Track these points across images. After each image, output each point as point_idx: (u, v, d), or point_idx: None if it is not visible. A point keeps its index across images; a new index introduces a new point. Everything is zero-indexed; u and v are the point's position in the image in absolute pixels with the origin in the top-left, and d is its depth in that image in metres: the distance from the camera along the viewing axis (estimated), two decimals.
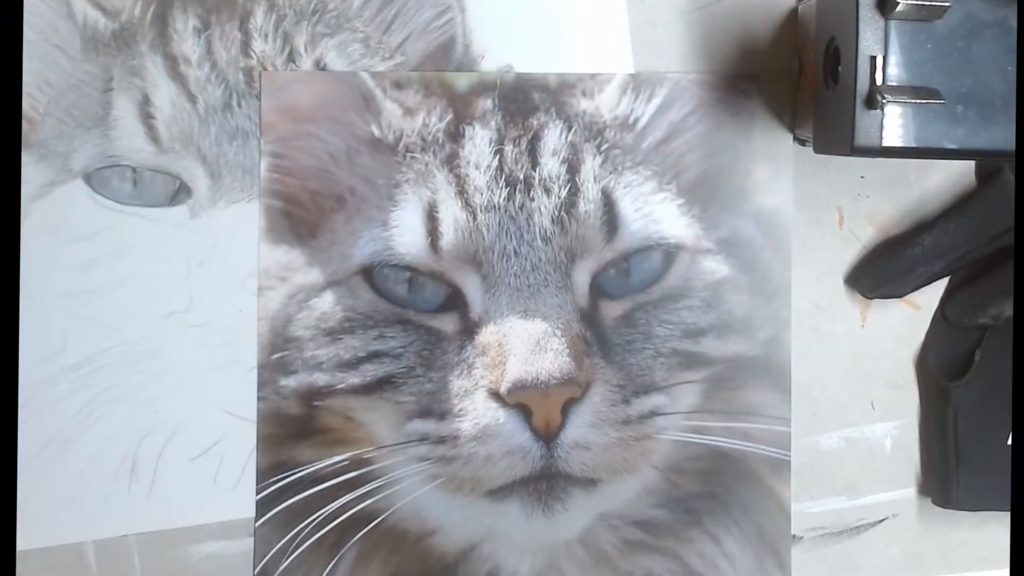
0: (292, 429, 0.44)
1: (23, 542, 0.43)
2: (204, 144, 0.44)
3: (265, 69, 0.44)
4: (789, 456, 0.45)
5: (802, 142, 0.45)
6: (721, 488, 0.45)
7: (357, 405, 0.44)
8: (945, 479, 0.46)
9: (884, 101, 0.36)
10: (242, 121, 0.44)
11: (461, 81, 0.44)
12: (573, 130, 0.44)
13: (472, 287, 0.44)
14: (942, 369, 0.46)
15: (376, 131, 0.44)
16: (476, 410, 0.44)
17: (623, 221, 0.44)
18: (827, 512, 0.46)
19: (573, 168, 0.44)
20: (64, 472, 0.44)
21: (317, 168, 0.44)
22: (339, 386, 0.44)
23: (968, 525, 0.47)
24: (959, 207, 0.45)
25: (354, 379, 0.44)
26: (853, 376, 0.46)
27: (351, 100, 0.44)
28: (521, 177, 0.44)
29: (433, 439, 0.44)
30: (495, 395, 0.43)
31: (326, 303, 0.44)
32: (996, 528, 0.47)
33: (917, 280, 0.45)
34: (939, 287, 0.47)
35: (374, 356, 0.44)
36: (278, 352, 0.44)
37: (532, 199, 0.44)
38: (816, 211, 0.46)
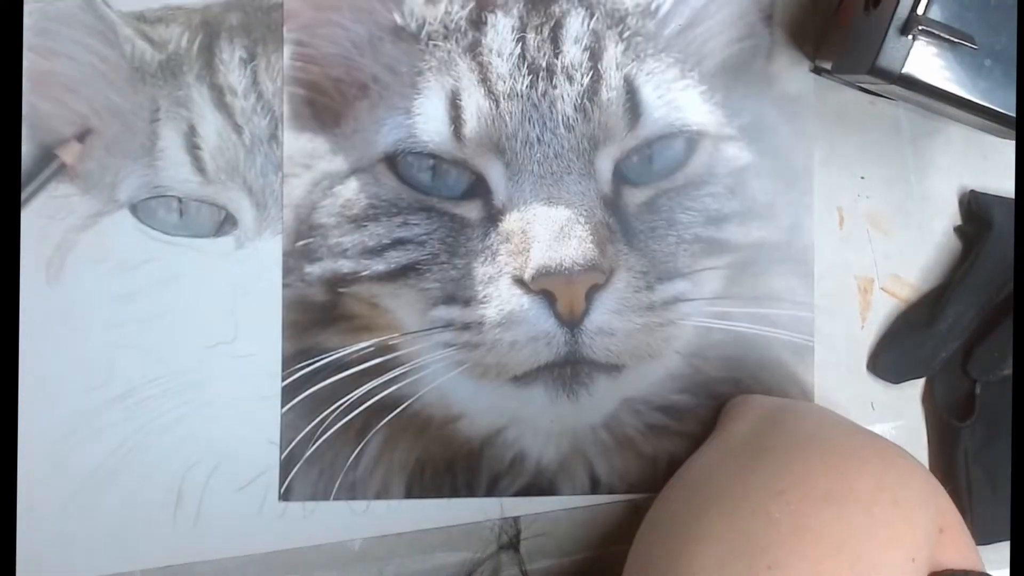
0: (317, 316, 0.47)
1: (71, 573, 0.46)
2: (250, 175, 0.47)
3: None
4: (812, 341, 0.48)
5: (819, 71, 0.47)
6: (744, 373, 0.48)
7: (382, 292, 0.47)
8: None
9: (918, 30, 0.39)
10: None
11: None
12: (595, 17, 0.47)
13: (495, 174, 0.46)
14: (951, 409, 0.49)
15: (398, 19, 0.46)
16: (500, 296, 0.46)
17: (645, 108, 0.47)
18: None
19: (595, 55, 0.47)
20: (110, 502, 0.46)
21: (340, 56, 0.47)
22: (364, 273, 0.47)
23: None
24: (963, 282, 0.48)
25: (378, 266, 0.47)
26: (853, 376, 0.49)
27: None
28: (543, 65, 0.47)
29: (458, 325, 0.47)
30: (519, 281, 0.46)
31: (350, 190, 0.46)
32: (996, 527, 0.49)
33: (942, 360, 0.48)
34: None
35: (398, 243, 0.46)
36: (303, 239, 0.47)
37: (555, 87, 0.47)
38: (816, 211, 0.49)
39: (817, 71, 0.48)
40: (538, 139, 0.47)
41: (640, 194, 0.47)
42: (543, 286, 0.47)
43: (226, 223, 0.47)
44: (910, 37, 0.40)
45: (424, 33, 0.47)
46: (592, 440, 0.48)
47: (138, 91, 0.46)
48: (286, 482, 0.47)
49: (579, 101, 0.47)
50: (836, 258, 0.49)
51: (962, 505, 0.48)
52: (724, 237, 0.48)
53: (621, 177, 0.47)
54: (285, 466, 0.47)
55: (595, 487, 0.48)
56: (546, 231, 0.47)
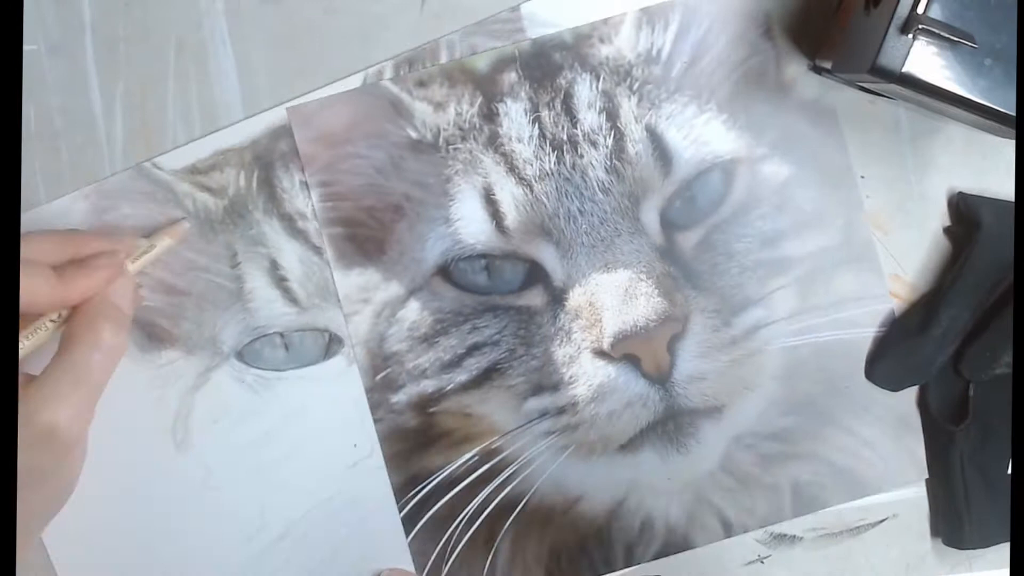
0: (415, 441, 0.48)
1: None
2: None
3: None
4: None
5: (819, 71, 0.48)
6: (842, 379, 0.49)
7: (471, 400, 0.47)
8: (957, 522, 0.49)
9: (918, 29, 0.39)
10: None
11: (480, 62, 0.47)
12: (602, 78, 0.48)
13: (548, 257, 0.47)
14: (944, 414, 0.49)
15: (413, 133, 0.47)
16: (586, 372, 0.47)
17: (674, 152, 0.47)
18: (827, 512, 0.50)
19: (612, 115, 0.47)
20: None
21: (367, 185, 0.47)
22: (448, 387, 0.47)
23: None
24: (955, 286, 0.48)
25: (461, 376, 0.47)
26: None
27: (380, 110, 0.47)
28: (565, 137, 0.47)
29: (553, 412, 0.47)
30: (600, 353, 0.47)
31: (413, 312, 0.47)
32: (996, 527, 0.49)
33: (940, 365, 0.48)
34: None
35: (473, 349, 0.47)
36: (380, 372, 0.47)
37: (581, 156, 0.47)
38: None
39: (817, 71, 0.49)
40: (580, 211, 0.48)
41: (692, 236, 0.48)
42: (624, 351, 0.47)
43: (332, 343, 0.48)
44: (910, 36, 0.40)
45: (442, 140, 0.48)
46: (713, 486, 0.49)
47: (211, 241, 0.47)
48: None
49: (609, 163, 0.48)
50: None
51: (959, 509, 0.49)
52: (784, 254, 0.48)
53: (670, 224, 0.48)
54: None
55: (728, 530, 0.49)
56: (612, 297, 0.47)
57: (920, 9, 0.40)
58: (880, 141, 0.49)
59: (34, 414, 0.38)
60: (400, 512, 0.48)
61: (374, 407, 0.48)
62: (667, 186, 0.48)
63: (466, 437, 0.48)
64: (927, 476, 0.49)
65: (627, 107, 0.48)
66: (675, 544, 0.49)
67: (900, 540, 0.50)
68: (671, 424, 0.48)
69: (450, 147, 0.48)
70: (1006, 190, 0.50)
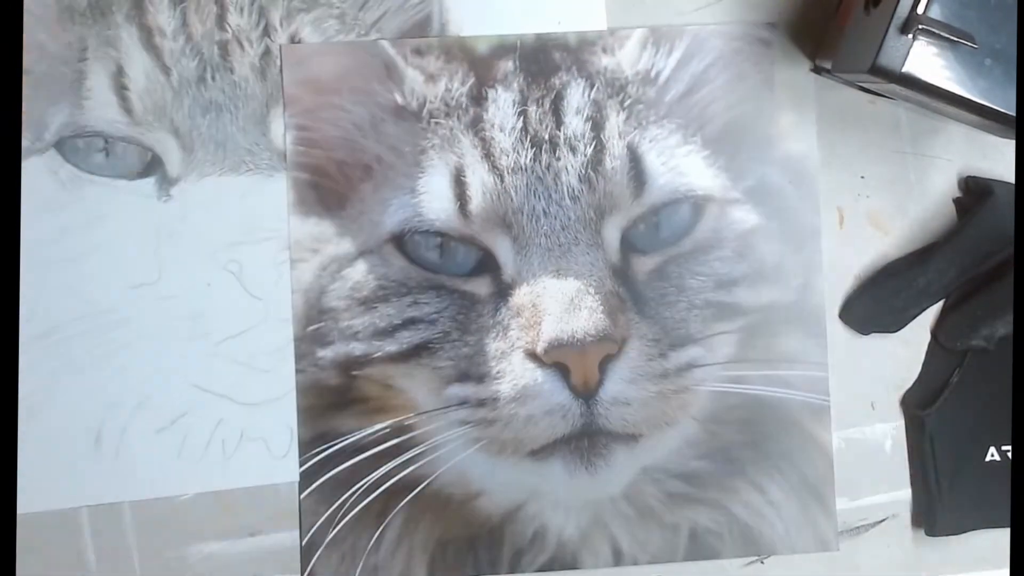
0: (332, 400, 0.49)
1: None
2: (177, 117, 0.49)
3: (240, 43, 0.48)
4: (828, 401, 0.49)
5: (819, 71, 0.50)
6: (762, 436, 0.50)
7: (395, 372, 0.49)
8: (929, 507, 0.51)
9: (918, 29, 0.41)
10: (216, 94, 0.49)
11: (481, 44, 0.49)
12: (596, 87, 0.49)
13: (503, 249, 0.48)
14: (914, 398, 0.51)
15: (399, 98, 0.48)
16: (514, 371, 0.48)
17: (650, 176, 0.49)
18: None
19: (597, 125, 0.49)
20: (29, 441, 0.48)
21: (343, 138, 0.48)
22: (376, 355, 0.48)
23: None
24: (951, 241, 0.50)
25: (391, 347, 0.48)
26: (853, 376, 0.51)
27: (373, 69, 0.48)
28: (546, 137, 0.48)
29: (473, 402, 0.48)
30: (532, 355, 0.48)
31: (359, 272, 0.48)
32: (996, 528, 0.51)
33: (912, 317, 0.50)
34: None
35: (409, 323, 0.48)
36: (313, 324, 0.48)
37: (558, 158, 0.48)
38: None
39: (817, 71, 0.50)
40: (544, 212, 0.49)
41: (649, 262, 0.49)
42: (556, 359, 0.48)
43: (153, 164, 0.48)
44: (910, 36, 0.42)
45: (425, 111, 0.49)
46: (613, 512, 0.50)
47: (67, 30, 0.48)
48: (308, 567, 0.49)
49: (583, 172, 0.49)
50: (835, 258, 0.51)
51: (931, 496, 0.50)
52: (735, 301, 0.50)
53: (629, 245, 0.49)
54: (307, 552, 0.49)
55: (618, 559, 0.50)
56: (556, 303, 0.48)
57: (920, 9, 0.41)
58: (880, 141, 0.51)
59: None
60: (300, 467, 0.49)
61: (299, 357, 0.49)
62: (635, 207, 0.49)
63: (382, 408, 0.49)
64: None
65: (614, 121, 0.49)
66: (562, 561, 0.50)
67: (900, 540, 0.51)
68: (586, 441, 0.49)
69: (432, 120, 0.49)
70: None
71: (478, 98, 0.49)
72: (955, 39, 0.41)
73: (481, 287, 0.49)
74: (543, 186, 0.49)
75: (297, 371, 0.49)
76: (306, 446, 0.49)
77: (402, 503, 0.49)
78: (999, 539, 0.51)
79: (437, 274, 0.49)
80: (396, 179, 0.49)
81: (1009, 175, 0.51)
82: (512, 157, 0.49)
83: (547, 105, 0.49)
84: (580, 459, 0.49)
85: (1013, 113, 0.42)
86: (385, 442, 0.49)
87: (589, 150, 0.49)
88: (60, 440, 0.48)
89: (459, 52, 0.49)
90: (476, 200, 0.49)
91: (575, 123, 0.49)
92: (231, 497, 0.49)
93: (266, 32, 0.49)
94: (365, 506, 0.49)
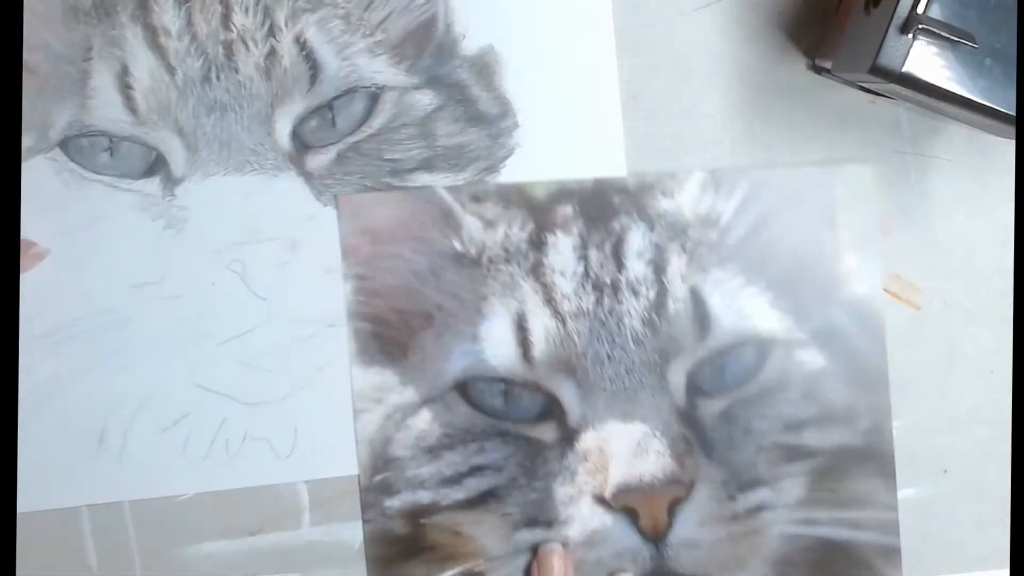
0: (401, 548, 0.49)
1: None
2: (182, 116, 0.49)
3: (245, 43, 0.48)
4: (898, 542, 0.49)
5: (819, 71, 0.50)
6: None
7: (464, 520, 0.49)
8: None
9: (918, 28, 0.41)
10: (220, 94, 0.49)
11: (539, 190, 0.49)
12: (656, 230, 0.49)
13: (568, 394, 0.48)
14: None
15: (458, 246, 0.48)
16: (583, 516, 0.48)
17: (714, 318, 0.49)
18: None
19: (659, 268, 0.48)
20: (31, 440, 0.48)
21: (403, 287, 0.49)
22: (444, 502, 0.49)
23: (968, 525, 0.51)
24: None
25: (458, 494, 0.49)
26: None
27: (430, 217, 0.49)
28: (608, 281, 0.48)
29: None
30: (600, 500, 0.49)
31: (423, 421, 0.48)
32: (996, 528, 0.51)
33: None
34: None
35: (476, 470, 0.49)
36: (380, 473, 0.49)
37: (620, 302, 0.48)
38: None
39: (817, 71, 0.50)
40: (608, 356, 0.49)
41: (715, 404, 0.49)
42: (625, 503, 0.49)
43: (157, 163, 0.49)
44: (910, 36, 0.42)
45: (485, 258, 0.49)
46: None
47: (71, 29, 0.48)
48: None
49: (646, 315, 0.49)
50: None
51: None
52: (803, 443, 0.49)
53: (695, 389, 0.49)
54: None
55: None
56: (624, 447, 0.49)
57: (920, 9, 0.41)
58: (880, 141, 0.51)
59: None
60: None
61: (365, 507, 0.49)
62: (700, 350, 0.49)
63: (451, 555, 0.49)
64: None
65: (676, 264, 0.49)
66: None
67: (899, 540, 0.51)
68: None
69: (492, 266, 0.49)
70: (1006, 189, 0.51)
71: (538, 243, 0.49)
72: (955, 39, 0.41)
73: (547, 433, 0.49)
74: (606, 330, 0.49)
75: (364, 521, 0.50)
76: None
77: None
78: (999, 539, 0.51)
79: (502, 420, 0.49)
80: (457, 326, 0.49)
81: (1008, 175, 0.51)
82: (574, 302, 0.49)
83: (608, 249, 0.49)
84: None
85: (1013, 113, 0.42)
86: None
87: (651, 293, 0.49)
88: (63, 440, 0.49)
89: (517, 198, 0.49)
90: (539, 346, 0.49)
91: (637, 266, 0.49)
92: (230, 497, 0.49)
93: (271, 32, 0.49)
94: None
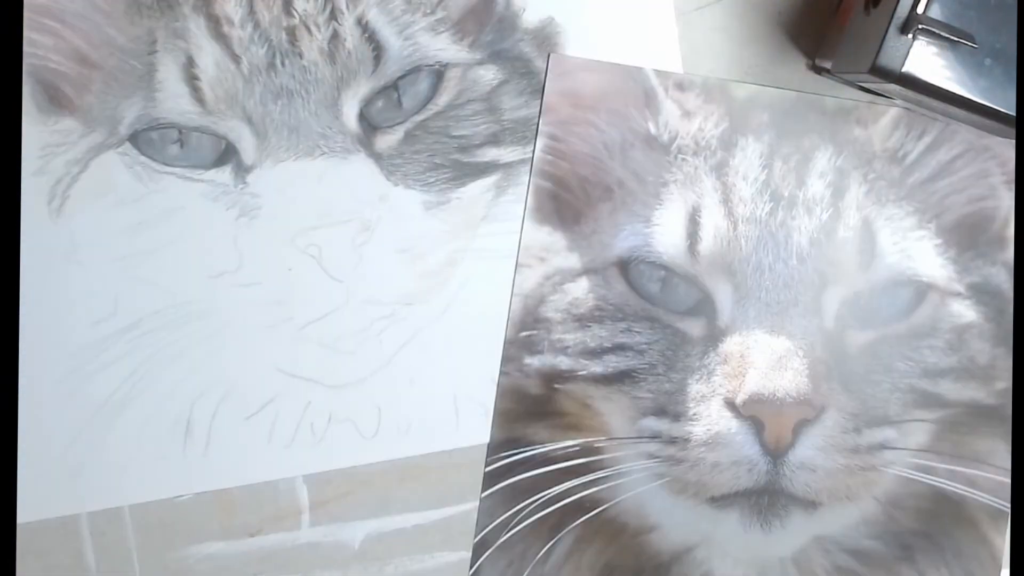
0: (530, 407, 0.50)
1: (79, 506, 0.49)
2: (249, 104, 0.49)
3: (307, 28, 0.49)
4: (1008, 508, 0.50)
5: (819, 71, 0.51)
6: (937, 529, 0.50)
7: (596, 394, 0.50)
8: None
9: (918, 29, 0.42)
10: (286, 80, 0.49)
11: (741, 91, 0.50)
12: (843, 156, 0.50)
13: (723, 296, 0.49)
14: None
15: (652, 128, 0.49)
16: (710, 416, 0.49)
17: (879, 252, 0.50)
18: None
19: (838, 193, 0.50)
20: (119, 434, 0.49)
21: (590, 156, 0.50)
22: (581, 372, 0.49)
23: None
24: None
25: (596, 368, 0.49)
26: None
27: (633, 94, 0.50)
28: (786, 194, 0.50)
29: (665, 438, 0.49)
30: (731, 405, 0.49)
31: (580, 289, 0.49)
32: None
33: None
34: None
35: (619, 348, 0.49)
36: (527, 330, 0.49)
37: (794, 218, 0.50)
38: None
39: (817, 71, 0.51)
40: (770, 267, 0.50)
41: (862, 337, 0.50)
42: (753, 412, 0.49)
43: (227, 152, 0.49)
44: (910, 36, 0.42)
45: (675, 146, 0.50)
46: (779, 573, 0.51)
47: (135, 24, 0.49)
48: (475, 566, 0.49)
49: (815, 235, 0.50)
50: None
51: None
52: (938, 392, 0.51)
53: (845, 317, 0.50)
54: (477, 550, 0.50)
55: None
56: (764, 359, 0.50)
57: (920, 9, 0.42)
58: None
59: None
60: (486, 467, 0.50)
61: (506, 360, 0.50)
62: (859, 281, 0.50)
63: (576, 425, 0.50)
64: None
65: (854, 192, 0.50)
66: None
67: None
68: (766, 499, 0.50)
69: (680, 156, 0.50)
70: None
71: (728, 143, 0.50)
72: (955, 39, 0.42)
73: (695, 328, 0.50)
74: (774, 242, 0.50)
75: (501, 373, 0.50)
76: (495, 447, 0.50)
77: (577, 522, 0.50)
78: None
79: (655, 306, 0.50)
80: (634, 206, 0.50)
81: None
82: (749, 207, 0.50)
83: (793, 163, 0.51)
84: (757, 515, 0.50)
85: (1013, 113, 0.43)
86: (573, 459, 0.50)
87: (825, 215, 0.50)
88: (150, 433, 0.49)
89: (719, 94, 0.50)
90: (707, 242, 0.50)
91: (817, 186, 0.50)
92: (230, 498, 0.50)
93: (332, 16, 0.49)
94: (541, 517, 0.50)
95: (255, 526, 0.50)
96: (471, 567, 0.50)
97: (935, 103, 0.44)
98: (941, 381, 0.51)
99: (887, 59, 0.42)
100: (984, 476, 0.51)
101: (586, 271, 0.50)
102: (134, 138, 0.49)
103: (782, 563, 0.51)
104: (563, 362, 0.50)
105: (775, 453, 0.50)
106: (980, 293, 0.51)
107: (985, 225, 0.51)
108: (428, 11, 0.50)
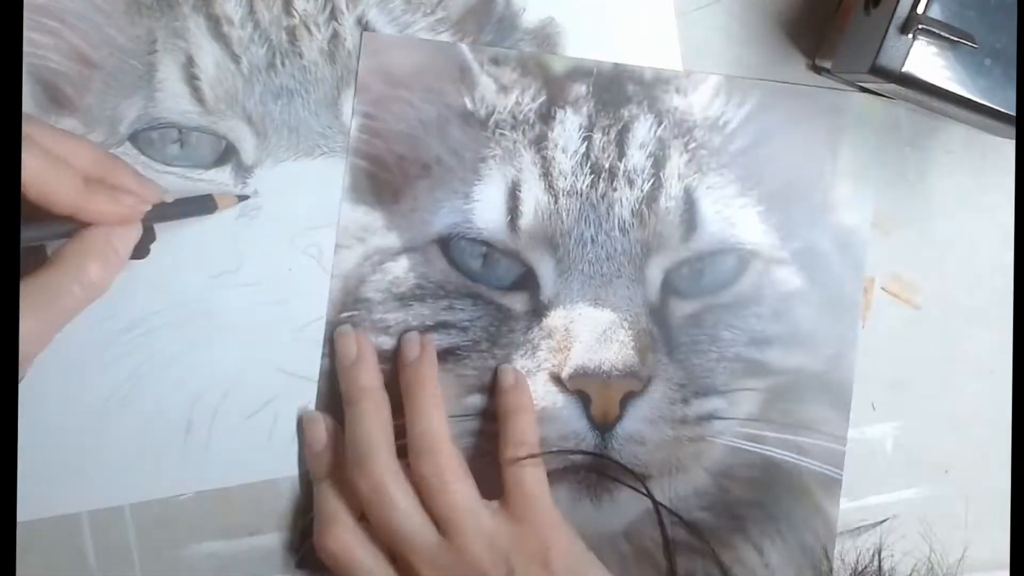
0: None
1: (80, 504, 0.50)
2: (249, 104, 0.50)
3: (307, 28, 0.50)
4: (840, 475, 0.51)
5: (819, 70, 0.51)
6: (770, 499, 0.51)
7: None
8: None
9: (918, 29, 0.42)
10: (286, 80, 0.50)
11: (558, 64, 0.50)
12: (663, 125, 0.50)
13: (546, 269, 0.49)
14: None
15: (469, 104, 0.50)
16: (536, 392, 0.50)
17: (702, 221, 0.50)
18: None
19: (659, 163, 0.50)
20: (120, 433, 0.50)
21: (407, 134, 0.50)
22: None
23: (968, 525, 0.53)
24: None
25: None
26: (853, 377, 0.53)
27: (448, 70, 0.50)
28: (606, 166, 0.50)
29: (489, 415, 0.49)
30: (556, 379, 0.50)
31: (400, 268, 0.49)
32: (996, 528, 0.52)
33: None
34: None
35: (441, 326, 0.50)
36: (348, 311, 0.50)
37: (615, 189, 0.50)
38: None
39: (817, 71, 0.52)
40: (592, 239, 0.50)
41: (687, 306, 0.51)
42: (579, 386, 0.50)
43: (227, 152, 0.50)
44: (910, 36, 0.43)
45: (492, 121, 0.50)
46: (611, 548, 0.51)
47: (135, 23, 0.49)
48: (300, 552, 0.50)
49: (637, 206, 0.50)
50: None
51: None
52: (765, 359, 0.51)
53: (670, 287, 0.50)
54: (292, 533, 0.50)
55: None
56: (589, 332, 0.50)
57: (920, 9, 0.43)
58: (880, 141, 0.52)
59: None
60: None
61: (328, 341, 0.50)
62: (682, 250, 0.50)
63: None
64: None
65: (675, 162, 0.51)
66: None
67: (900, 540, 0.52)
68: (595, 473, 0.50)
69: (497, 131, 0.50)
70: (1006, 190, 0.53)
71: (546, 117, 0.51)
72: (955, 39, 0.42)
73: (517, 303, 0.50)
74: (595, 214, 0.50)
75: (323, 355, 0.50)
76: None
77: None
78: (999, 539, 0.52)
79: (476, 283, 0.50)
80: (452, 182, 0.50)
81: (1008, 175, 0.53)
82: (570, 180, 0.50)
83: (612, 135, 0.51)
84: (586, 490, 0.50)
85: (1013, 113, 0.43)
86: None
87: (646, 186, 0.51)
88: (150, 433, 0.50)
89: (535, 68, 0.51)
90: (527, 216, 0.50)
91: (637, 157, 0.51)
92: (230, 497, 0.50)
93: (333, 16, 0.50)
94: None
95: (255, 526, 0.50)
96: (297, 551, 0.50)
97: (935, 103, 0.44)
98: (767, 349, 0.51)
99: (887, 59, 0.43)
100: (815, 443, 0.51)
101: (406, 249, 0.50)
102: (134, 137, 0.49)
103: (612, 538, 0.51)
104: (385, 342, 0.50)
105: (603, 427, 0.50)
106: (804, 259, 0.51)
107: (807, 191, 0.52)
108: (428, 11, 0.50)
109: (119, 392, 0.49)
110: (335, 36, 0.50)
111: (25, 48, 0.48)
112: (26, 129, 0.41)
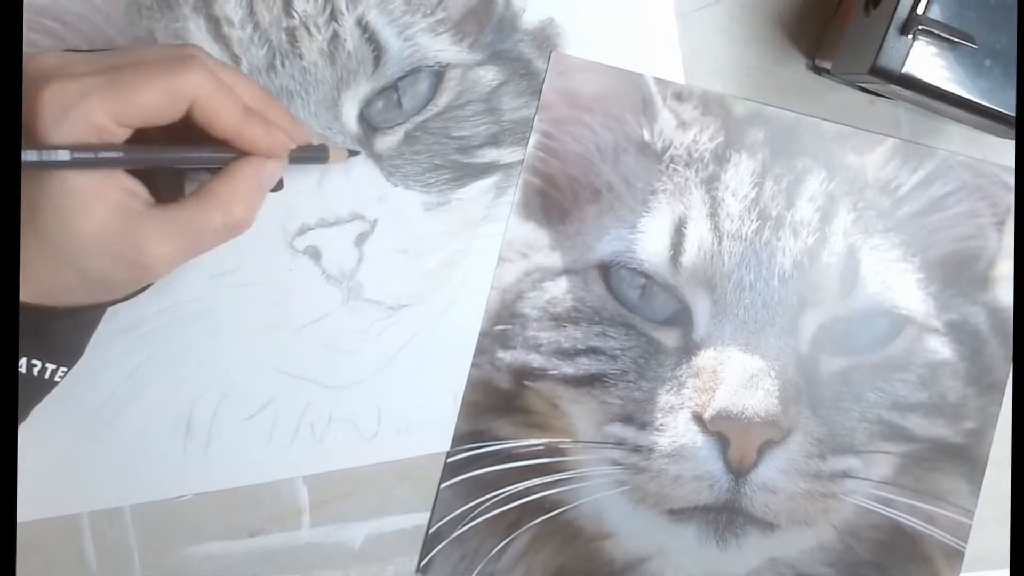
0: (498, 402, 0.51)
1: (80, 505, 0.50)
2: None
3: (307, 29, 0.50)
4: (964, 548, 0.52)
5: (819, 71, 0.52)
6: (892, 563, 0.52)
7: (564, 395, 0.51)
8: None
9: (918, 29, 0.43)
10: (286, 81, 0.51)
11: (739, 107, 0.51)
12: (835, 181, 0.51)
13: (702, 309, 0.50)
14: None
15: (647, 135, 0.51)
16: (677, 428, 0.50)
17: (861, 281, 0.51)
18: None
19: (826, 218, 0.51)
20: (120, 433, 0.50)
21: (582, 157, 0.51)
22: (552, 371, 0.51)
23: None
24: None
25: (568, 368, 0.51)
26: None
27: (631, 100, 0.51)
28: (773, 214, 0.51)
29: (629, 446, 0.51)
30: (698, 418, 0.51)
31: (559, 288, 0.50)
32: (996, 528, 0.53)
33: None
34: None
35: (592, 351, 0.50)
36: (502, 324, 0.50)
37: (779, 238, 0.51)
38: None
39: (817, 71, 0.53)
40: (751, 285, 0.51)
41: (835, 363, 0.52)
42: (720, 429, 0.51)
43: None
44: (910, 37, 0.44)
45: (668, 155, 0.51)
46: None
47: (135, 24, 0.50)
48: (428, 557, 0.51)
49: (799, 258, 0.51)
50: None
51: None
52: (906, 425, 0.52)
53: (821, 342, 0.52)
54: (431, 541, 0.51)
55: None
56: (736, 376, 0.51)
57: (920, 9, 0.43)
58: (880, 141, 0.53)
59: (141, 237, 0.40)
60: (448, 458, 0.51)
61: (479, 352, 0.51)
62: (838, 307, 0.51)
63: (542, 424, 0.51)
64: None
65: (843, 218, 0.52)
66: None
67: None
68: (724, 516, 0.51)
69: (671, 165, 0.51)
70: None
71: (721, 158, 0.52)
72: (955, 39, 0.43)
73: (670, 338, 0.51)
74: (757, 260, 0.51)
75: (473, 365, 0.51)
76: (459, 439, 0.51)
77: (535, 521, 0.51)
78: (999, 539, 0.53)
79: (632, 313, 0.51)
80: (620, 211, 0.51)
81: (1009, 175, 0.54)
82: (736, 223, 0.51)
83: (784, 184, 0.52)
84: (714, 532, 0.51)
85: (1013, 113, 0.44)
86: (536, 458, 0.51)
87: (811, 239, 0.52)
88: (151, 432, 0.50)
89: (716, 108, 0.52)
90: (690, 254, 0.51)
91: (806, 209, 0.52)
92: (230, 498, 0.51)
93: (332, 17, 0.50)
94: (499, 514, 0.51)
95: (255, 526, 0.51)
96: (421, 560, 0.51)
97: (935, 103, 0.45)
98: (910, 415, 0.52)
99: (887, 60, 0.44)
100: (943, 514, 0.53)
101: (567, 271, 0.51)
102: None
103: None
104: (535, 359, 0.51)
105: (738, 471, 0.51)
106: (957, 331, 0.53)
107: (969, 264, 0.53)
108: (428, 12, 0.51)
109: (119, 392, 0.50)
110: (335, 37, 0.50)
111: (25, 48, 0.48)
112: (196, 51, 0.42)
